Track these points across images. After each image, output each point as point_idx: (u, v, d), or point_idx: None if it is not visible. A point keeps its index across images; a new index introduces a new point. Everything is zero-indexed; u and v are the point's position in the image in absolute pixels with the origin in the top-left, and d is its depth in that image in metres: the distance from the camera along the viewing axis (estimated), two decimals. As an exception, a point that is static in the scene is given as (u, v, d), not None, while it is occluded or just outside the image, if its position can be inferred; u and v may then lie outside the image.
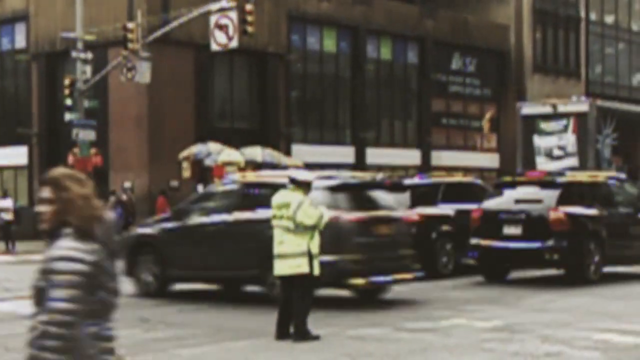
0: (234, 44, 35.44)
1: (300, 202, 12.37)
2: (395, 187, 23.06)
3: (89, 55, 38.24)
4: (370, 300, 17.53)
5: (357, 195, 17.30)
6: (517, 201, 20.61)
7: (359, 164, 49.96)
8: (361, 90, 50.73)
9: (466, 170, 46.79)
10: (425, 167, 52.28)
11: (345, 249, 16.09)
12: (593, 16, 67.06)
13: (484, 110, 59.17)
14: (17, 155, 46.13)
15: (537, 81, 60.74)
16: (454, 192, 23.56)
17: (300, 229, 12.33)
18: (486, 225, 20.40)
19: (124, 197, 38.71)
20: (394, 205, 17.92)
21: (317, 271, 12.56)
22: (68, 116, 38.98)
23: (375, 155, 50.75)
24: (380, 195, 17.74)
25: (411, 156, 53.43)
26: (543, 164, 33.01)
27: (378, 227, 16.93)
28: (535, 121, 34.20)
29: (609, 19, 69.42)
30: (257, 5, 36.29)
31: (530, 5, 60.52)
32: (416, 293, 19.00)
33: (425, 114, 54.76)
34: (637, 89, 70.60)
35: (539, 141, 33.88)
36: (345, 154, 49.64)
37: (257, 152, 39.21)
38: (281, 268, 12.54)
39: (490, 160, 58.32)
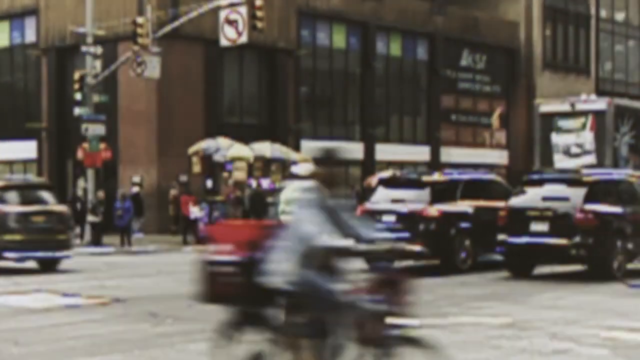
0: (243, 39, 35.45)
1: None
2: (415, 183, 23.33)
3: (99, 50, 38.27)
4: (49, 269, 24.08)
5: (22, 193, 24.73)
6: (545, 199, 20.98)
7: (368, 160, 49.96)
8: (370, 86, 50.69)
9: (475, 166, 46.72)
10: (434, 163, 52.24)
11: (6, 232, 23.52)
12: (603, 13, 66.91)
13: (493, 107, 59.11)
14: (26, 149, 46.24)
15: (546, 78, 60.64)
16: (472, 189, 23.76)
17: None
18: (513, 221, 20.84)
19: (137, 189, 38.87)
20: (52, 201, 24.83)
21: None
22: (77, 111, 39.00)
23: (384, 151, 50.73)
24: (43, 194, 25.06)
25: (420, 152, 53.40)
26: (561, 162, 33.34)
27: (35, 217, 24.12)
28: (553, 119, 34.46)
29: (620, 16, 69.24)
30: (266, 0, 36.27)
31: (540, 2, 60.40)
32: (424, 289, 19.01)
33: (435, 111, 54.72)
34: (647, 87, 70.40)
35: (556, 139, 34.16)
36: (354, 149, 49.63)
37: (266, 148, 39.21)
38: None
39: (499, 156, 58.28)
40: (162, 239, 37.47)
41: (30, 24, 47.24)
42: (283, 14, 45.59)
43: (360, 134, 50.79)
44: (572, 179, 21.34)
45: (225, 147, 38.41)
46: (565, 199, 20.76)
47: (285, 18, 45.99)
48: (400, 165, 48.98)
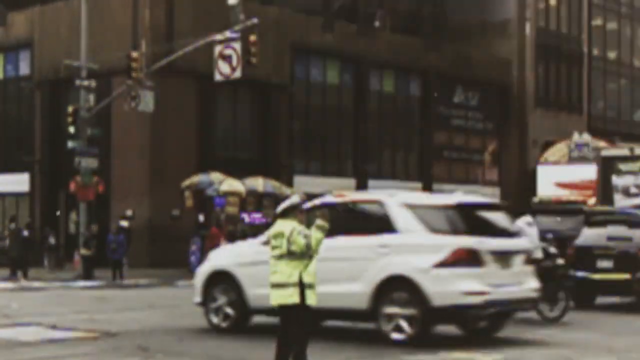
0: (237, 74, 35.55)
1: (291, 231, 12.40)
2: None
3: (93, 84, 38.37)
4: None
5: None
6: (609, 238, 23.20)
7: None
8: (363, 122, 50.83)
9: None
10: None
11: None
12: (595, 52, 67.33)
13: (485, 144, 59.28)
14: (19, 182, 46.20)
15: (539, 115, 60.89)
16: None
17: (294, 257, 12.34)
18: (580, 258, 22.98)
19: (126, 223, 38.81)
20: None
21: (310, 301, 12.50)
22: (70, 144, 39.05)
23: (377, 187, 50.67)
24: None
25: (412, 189, 53.37)
26: (620, 201, 35.83)
27: None
28: (614, 162, 37.07)
29: (612, 55, 69.67)
30: (261, 36, 36.43)
31: (532, 40, 60.75)
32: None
33: (427, 147, 54.86)
34: (639, 125, 70.72)
35: (616, 180, 36.80)
36: (347, 185, 49.66)
37: (258, 183, 39.25)
38: (274, 298, 12.52)
39: (492, 193, 58.34)
40: (154, 272, 37.38)
41: (24, 57, 47.37)
42: (277, 49, 45.78)
43: (353, 169, 50.87)
44: (633, 221, 23.64)
45: (217, 182, 38.45)
46: (628, 238, 22.99)
47: (279, 54, 46.17)
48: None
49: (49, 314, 20.65)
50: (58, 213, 44.89)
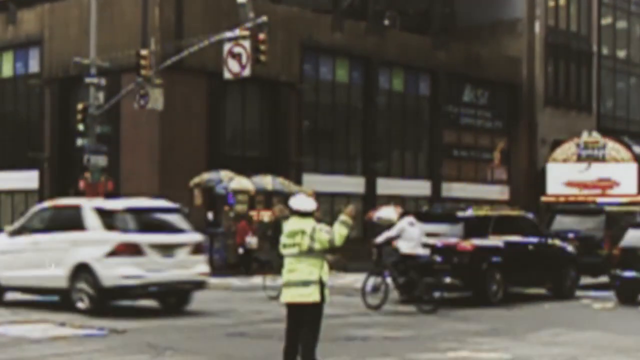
0: (246, 72, 35.56)
1: (313, 228, 12.30)
2: (449, 218, 24.80)
3: (102, 81, 38.40)
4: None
5: None
6: None
7: (370, 194, 50.01)
8: (372, 120, 50.81)
9: (476, 202, 46.74)
10: (436, 198, 52.29)
11: None
12: (605, 50, 67.19)
13: (495, 143, 59.22)
14: (28, 179, 46.31)
15: (548, 114, 60.81)
16: (503, 225, 24.96)
17: (313, 254, 12.25)
18: (626, 258, 23.97)
19: None
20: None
21: (328, 299, 12.50)
22: (80, 141, 39.10)
23: (385, 185, 50.78)
24: None
25: (422, 187, 53.44)
26: None
27: None
28: None
29: (621, 54, 69.54)
30: (270, 34, 36.44)
31: (542, 38, 60.67)
32: (423, 324, 19.00)
33: (437, 146, 54.82)
34: (649, 124, 70.59)
35: None
36: (356, 184, 49.70)
37: (267, 181, 39.27)
38: (292, 296, 12.40)
39: (500, 192, 58.32)
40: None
41: (34, 54, 47.45)
42: (286, 47, 45.79)
43: (362, 168, 50.86)
44: None
45: (227, 180, 38.49)
46: None
47: (289, 52, 46.18)
48: (401, 199, 49.00)
49: (58, 311, 20.72)
50: None
